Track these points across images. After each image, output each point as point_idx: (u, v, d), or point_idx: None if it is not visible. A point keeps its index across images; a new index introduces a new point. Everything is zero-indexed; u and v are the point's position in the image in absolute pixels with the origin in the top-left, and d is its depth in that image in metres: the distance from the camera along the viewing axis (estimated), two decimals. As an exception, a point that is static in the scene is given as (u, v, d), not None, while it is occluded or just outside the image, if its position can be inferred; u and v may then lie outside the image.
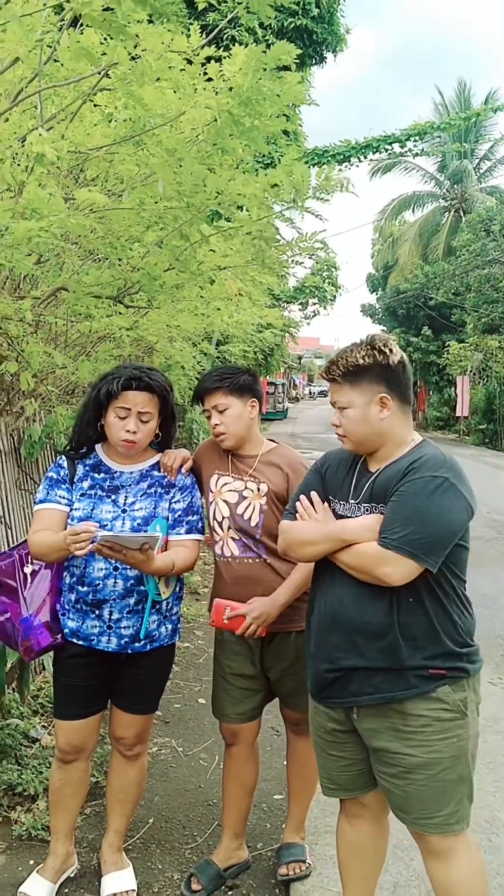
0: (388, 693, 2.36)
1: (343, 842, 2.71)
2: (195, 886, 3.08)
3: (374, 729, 2.43)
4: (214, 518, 3.12)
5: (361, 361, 2.40)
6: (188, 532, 2.97)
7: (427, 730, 2.34)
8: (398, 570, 2.27)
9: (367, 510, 2.43)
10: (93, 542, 2.64)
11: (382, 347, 2.41)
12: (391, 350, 2.42)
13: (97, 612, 2.86)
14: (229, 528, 3.08)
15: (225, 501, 3.10)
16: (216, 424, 3.09)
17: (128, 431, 2.84)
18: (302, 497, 2.59)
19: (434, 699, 2.34)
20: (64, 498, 2.91)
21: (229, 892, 3.11)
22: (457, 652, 2.36)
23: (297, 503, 2.59)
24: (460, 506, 2.30)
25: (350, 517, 2.46)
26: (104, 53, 2.73)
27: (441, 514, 2.27)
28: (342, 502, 2.52)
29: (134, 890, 3.05)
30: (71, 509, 2.90)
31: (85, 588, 2.86)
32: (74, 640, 2.89)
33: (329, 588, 2.49)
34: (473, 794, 2.44)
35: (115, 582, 2.84)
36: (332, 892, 3.07)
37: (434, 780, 2.35)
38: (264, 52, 2.82)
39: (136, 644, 2.89)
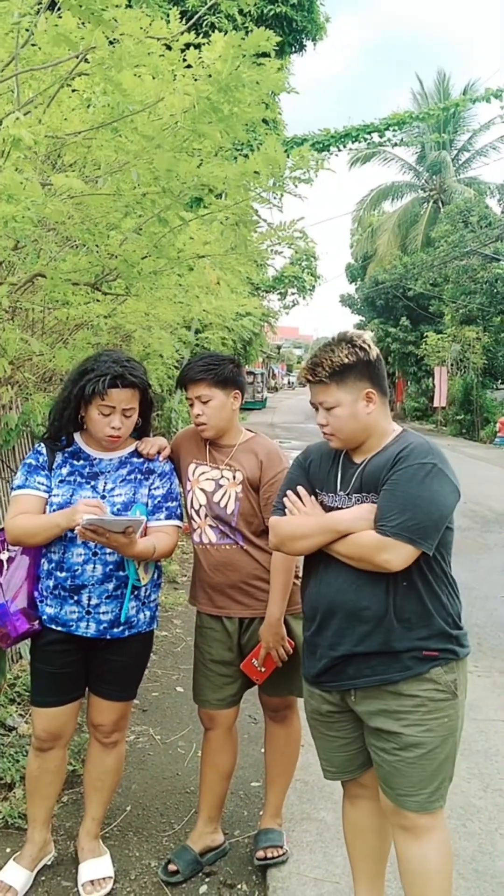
0: (384, 675, 2.43)
1: (347, 823, 2.79)
2: (172, 869, 3.10)
3: (369, 711, 2.49)
4: (192, 506, 3.14)
5: (346, 360, 2.43)
6: (168, 518, 2.97)
7: (421, 709, 2.41)
8: (398, 555, 2.33)
9: (358, 500, 2.48)
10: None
11: (363, 344, 2.46)
12: (370, 346, 2.48)
13: (76, 597, 2.85)
14: (206, 515, 3.10)
15: (202, 490, 3.11)
16: (198, 415, 3.09)
17: (113, 428, 2.84)
18: (289, 492, 2.62)
19: (427, 680, 2.41)
20: (42, 484, 2.90)
21: (206, 879, 3.13)
22: (448, 633, 2.43)
23: (285, 498, 2.61)
24: (449, 490, 2.39)
25: (341, 508, 2.50)
26: (82, 38, 2.70)
27: (433, 499, 2.35)
28: (330, 494, 2.55)
29: (111, 877, 3.05)
30: (50, 496, 2.89)
31: (63, 574, 2.85)
32: (53, 627, 2.89)
33: (324, 577, 2.52)
34: (453, 774, 2.51)
35: (94, 567, 2.84)
36: (309, 877, 3.10)
37: (424, 758, 2.41)
38: (243, 38, 2.81)
39: (115, 630, 2.89)
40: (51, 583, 2.88)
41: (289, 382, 73.68)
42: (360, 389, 2.45)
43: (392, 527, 2.33)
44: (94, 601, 2.85)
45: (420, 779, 2.43)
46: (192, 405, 3.13)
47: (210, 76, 2.90)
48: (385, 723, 2.45)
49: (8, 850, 3.19)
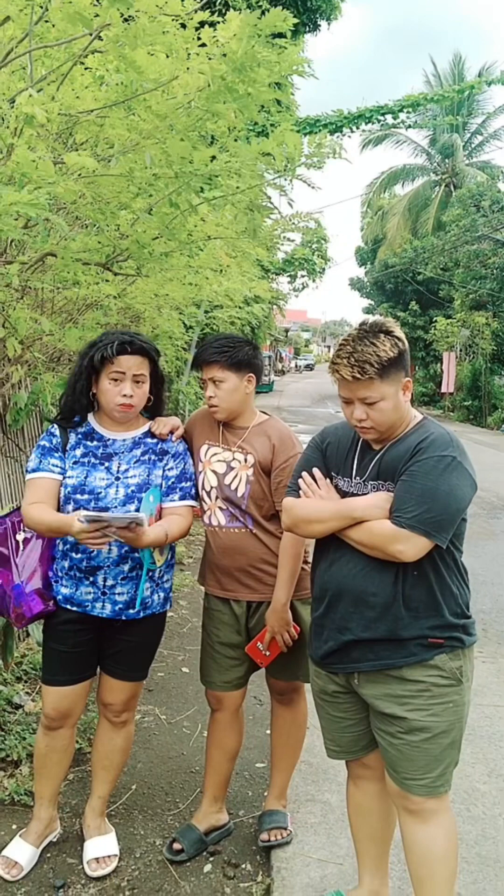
0: (388, 660, 2.45)
1: (351, 804, 2.82)
2: (177, 847, 3.12)
3: (373, 694, 2.51)
4: (203, 488, 3.12)
5: (392, 354, 2.37)
6: (182, 498, 2.98)
7: (425, 694, 2.42)
8: (412, 547, 2.33)
9: (374, 487, 2.48)
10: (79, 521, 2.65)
11: (400, 335, 2.42)
12: (403, 335, 2.45)
13: (91, 578, 2.86)
14: (217, 497, 3.09)
15: (213, 471, 3.10)
16: (210, 396, 3.07)
17: (124, 396, 2.83)
18: (304, 474, 2.61)
19: (431, 666, 2.42)
20: (57, 466, 2.90)
21: (211, 858, 3.15)
22: (454, 623, 2.44)
23: (300, 480, 2.60)
24: (466, 483, 2.38)
25: (357, 494, 2.50)
26: (97, 15, 2.68)
27: (451, 493, 2.34)
28: (346, 479, 2.55)
29: (116, 855, 3.08)
30: (64, 478, 2.89)
31: (79, 555, 2.86)
32: (68, 607, 2.90)
33: (335, 560, 2.53)
34: (458, 759, 2.52)
35: (110, 548, 2.84)
36: (313, 858, 3.12)
37: (429, 742, 2.43)
38: (259, 18, 2.77)
39: (130, 611, 2.90)
40: (66, 563, 2.89)
41: (296, 366, 73.41)
42: (399, 381, 2.42)
43: (408, 519, 2.32)
44: (109, 582, 2.86)
45: (425, 763, 2.44)
46: (205, 386, 3.11)
47: (224, 55, 2.87)
48: (390, 707, 2.46)
49: (14, 826, 3.22)
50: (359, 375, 2.36)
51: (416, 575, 2.40)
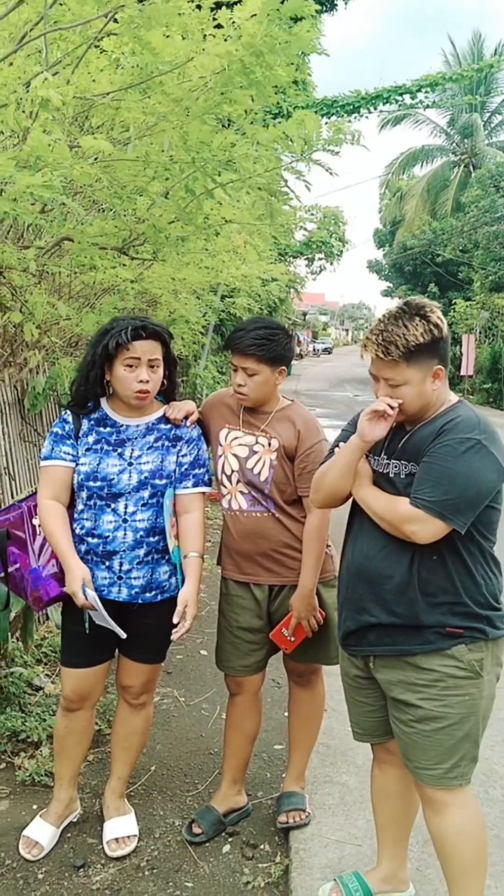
0: (403, 646, 2.42)
1: (374, 786, 2.82)
2: (196, 830, 3.15)
3: (388, 680, 2.50)
4: (223, 472, 3.11)
5: (422, 339, 2.31)
6: (195, 485, 2.98)
7: (440, 684, 2.38)
8: (425, 528, 2.30)
9: (395, 466, 2.44)
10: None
11: (437, 320, 2.34)
12: (441, 320, 2.36)
13: (107, 563, 2.87)
14: (238, 481, 3.08)
15: (235, 455, 3.09)
16: (241, 385, 3.02)
17: (141, 382, 2.82)
18: (338, 448, 2.59)
19: (448, 656, 2.37)
20: (69, 454, 2.91)
21: (229, 839, 3.18)
22: (476, 613, 2.37)
23: (336, 451, 2.59)
24: (492, 468, 2.29)
25: (381, 473, 2.48)
26: (111, -4, 2.66)
27: (471, 476, 2.27)
28: (375, 457, 2.52)
29: (136, 835, 3.11)
30: (77, 464, 2.90)
31: (95, 540, 2.87)
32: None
33: (358, 540, 2.53)
34: (477, 754, 2.47)
35: (125, 534, 2.85)
36: (331, 839, 3.14)
37: (441, 732, 2.39)
38: (281, 2, 2.74)
39: (147, 594, 2.92)
40: (83, 548, 2.89)
41: (314, 349, 73.06)
42: (430, 367, 2.35)
43: (424, 500, 2.29)
44: (125, 567, 2.87)
45: (436, 753, 2.41)
46: (235, 371, 3.05)
47: (241, 38, 2.85)
48: (403, 694, 2.45)
49: (35, 806, 3.26)
50: (382, 355, 2.33)
51: (435, 560, 2.36)
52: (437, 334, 2.33)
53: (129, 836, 3.09)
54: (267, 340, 2.99)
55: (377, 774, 2.80)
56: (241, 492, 3.08)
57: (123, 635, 2.81)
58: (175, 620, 2.76)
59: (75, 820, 3.20)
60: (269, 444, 3.05)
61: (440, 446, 2.31)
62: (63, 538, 2.84)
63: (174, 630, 2.78)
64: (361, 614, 2.49)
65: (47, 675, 4.18)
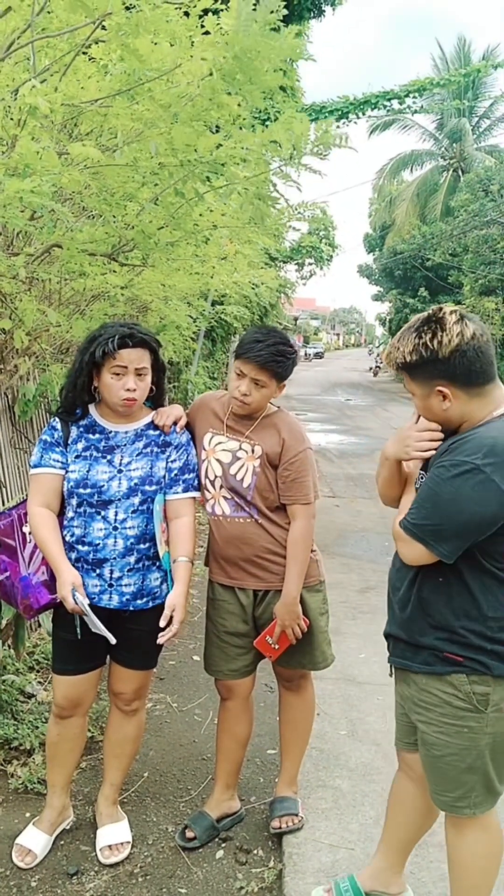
0: (405, 661, 2.42)
1: (393, 791, 2.76)
2: (189, 835, 3.15)
3: (402, 694, 2.51)
4: (206, 476, 3.10)
5: (409, 358, 2.22)
6: (185, 490, 2.97)
7: (437, 710, 2.33)
8: (409, 550, 2.27)
9: (422, 478, 2.37)
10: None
11: (430, 341, 2.17)
12: (440, 342, 2.17)
13: (98, 570, 2.86)
14: (221, 487, 3.07)
15: (218, 461, 3.08)
16: (246, 394, 2.97)
17: (128, 390, 2.81)
18: None
19: (447, 682, 2.30)
20: (58, 461, 2.90)
21: (223, 844, 3.18)
22: (478, 645, 2.25)
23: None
24: (489, 497, 2.10)
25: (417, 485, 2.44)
26: (100, 5, 2.67)
27: (456, 502, 2.13)
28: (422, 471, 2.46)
29: (129, 842, 3.10)
30: (66, 472, 2.90)
31: (85, 547, 2.86)
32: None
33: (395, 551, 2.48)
34: (495, 788, 2.37)
35: (116, 541, 2.85)
36: (324, 844, 3.14)
37: (441, 761, 2.35)
38: (254, 8, 2.76)
39: (139, 601, 2.92)
40: (73, 555, 2.88)
41: (305, 354, 72.92)
42: (430, 385, 2.23)
43: (406, 521, 2.27)
44: (115, 574, 2.87)
45: (443, 780, 2.38)
46: (240, 377, 2.99)
47: (227, 43, 2.86)
48: (411, 712, 2.45)
49: (28, 814, 3.25)
50: (392, 366, 2.33)
51: (441, 582, 2.27)
52: (425, 355, 2.19)
53: (122, 843, 3.08)
54: (285, 358, 2.99)
55: (397, 780, 2.73)
56: (225, 497, 3.08)
57: (114, 641, 2.81)
58: (162, 624, 2.77)
59: (68, 827, 3.19)
60: (253, 451, 3.04)
61: (436, 466, 2.22)
62: (53, 544, 2.83)
63: (161, 634, 2.78)
64: (387, 622, 2.52)
65: (39, 682, 4.17)
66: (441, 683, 2.31)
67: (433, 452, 2.31)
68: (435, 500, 2.18)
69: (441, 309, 2.25)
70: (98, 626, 2.79)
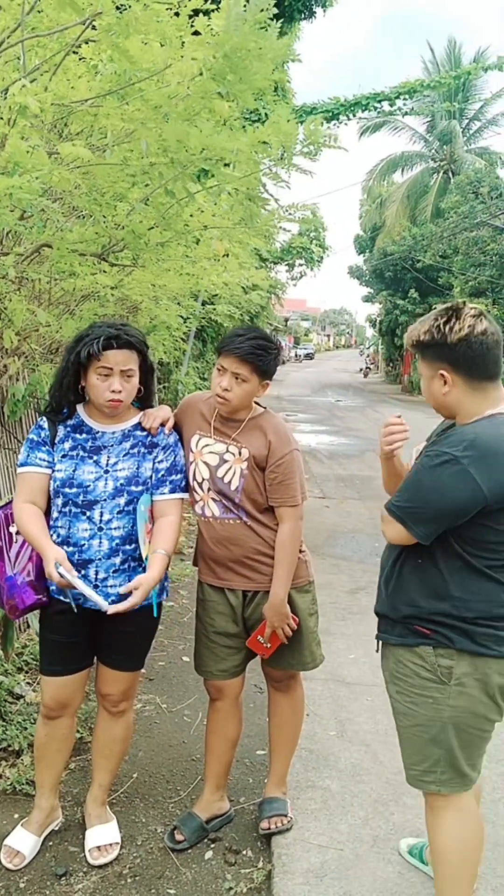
0: (385, 634, 2.57)
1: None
2: (178, 837, 3.14)
3: (384, 667, 2.64)
4: (194, 479, 3.09)
5: (422, 337, 2.41)
6: (172, 491, 2.96)
7: (408, 680, 2.48)
8: (390, 529, 2.45)
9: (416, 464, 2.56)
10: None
11: (443, 325, 2.35)
12: (451, 328, 2.34)
13: (83, 571, 2.84)
14: (209, 489, 3.06)
15: (205, 463, 3.06)
16: (227, 389, 2.97)
17: (113, 392, 2.79)
18: None
19: (416, 654, 2.46)
20: (44, 461, 2.89)
21: (212, 845, 3.17)
22: (442, 621, 2.39)
23: None
24: (463, 486, 2.25)
25: None
26: (90, 4, 2.67)
27: (435, 490, 2.30)
28: None
29: (118, 843, 3.10)
30: (53, 471, 2.89)
31: (70, 548, 2.85)
32: (62, 598, 2.89)
33: None
34: (461, 767, 2.47)
35: (101, 542, 2.84)
36: (313, 844, 3.14)
37: (409, 731, 2.51)
38: (244, 8, 2.77)
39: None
40: None
41: (296, 355, 72.90)
42: (434, 368, 2.40)
43: (391, 502, 2.45)
44: (101, 575, 2.86)
45: (411, 752, 2.53)
46: (221, 373, 2.99)
47: (217, 43, 2.86)
48: (389, 685, 2.58)
49: (16, 815, 3.24)
50: (406, 343, 2.53)
51: (420, 563, 2.43)
52: (436, 336, 2.36)
53: (111, 844, 3.08)
54: (265, 352, 2.98)
55: None
56: (213, 499, 3.06)
57: (107, 607, 2.72)
58: (122, 592, 2.77)
59: (57, 828, 3.18)
60: (240, 454, 3.03)
61: (423, 456, 2.41)
62: (37, 528, 2.82)
63: (111, 605, 2.75)
64: (376, 599, 2.64)
65: (28, 683, 4.16)
66: (412, 655, 2.47)
67: (399, 445, 2.56)
68: (417, 486, 2.38)
69: (465, 303, 2.42)
70: (90, 595, 2.73)
